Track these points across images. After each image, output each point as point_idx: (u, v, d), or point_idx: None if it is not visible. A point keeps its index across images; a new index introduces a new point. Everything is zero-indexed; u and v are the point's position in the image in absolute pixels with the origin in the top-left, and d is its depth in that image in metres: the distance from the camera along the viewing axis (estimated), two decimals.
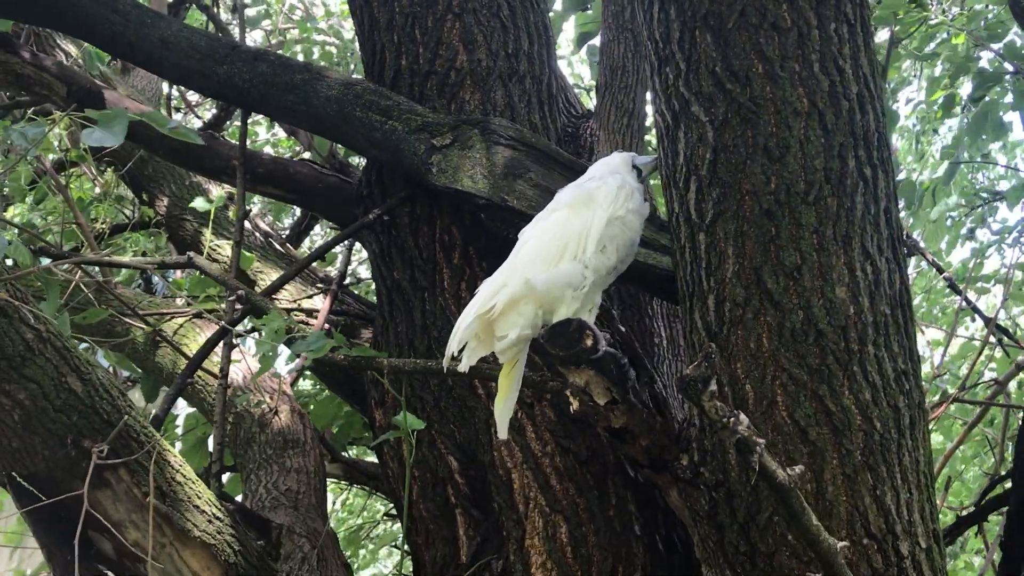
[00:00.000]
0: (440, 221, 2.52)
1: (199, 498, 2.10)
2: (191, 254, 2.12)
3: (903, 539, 1.64)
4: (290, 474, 3.05)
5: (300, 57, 5.64)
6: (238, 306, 2.37)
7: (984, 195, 5.94)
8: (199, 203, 3.49)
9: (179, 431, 4.08)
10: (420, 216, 2.54)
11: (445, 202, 2.47)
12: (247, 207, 2.72)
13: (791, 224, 1.61)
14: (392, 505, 4.34)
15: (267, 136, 6.46)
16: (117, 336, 3.51)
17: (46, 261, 2.26)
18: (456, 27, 2.61)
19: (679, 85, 1.68)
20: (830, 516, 1.61)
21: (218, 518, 2.12)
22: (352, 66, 4.99)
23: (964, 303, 4.36)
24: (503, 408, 1.77)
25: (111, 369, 3.79)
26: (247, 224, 3.96)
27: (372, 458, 4.17)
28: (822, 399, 1.61)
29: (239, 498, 3.10)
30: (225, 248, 3.88)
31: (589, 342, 1.63)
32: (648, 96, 2.91)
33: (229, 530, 2.13)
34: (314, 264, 4.06)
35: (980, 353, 4.24)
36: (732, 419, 1.16)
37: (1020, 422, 3.38)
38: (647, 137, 3.34)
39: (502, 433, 1.76)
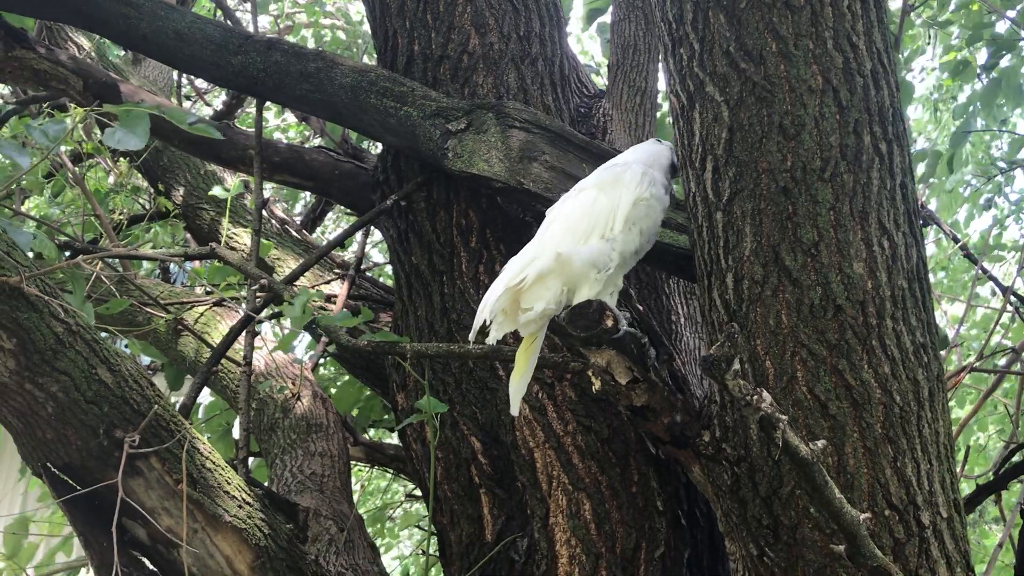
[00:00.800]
0: (457, 205, 2.54)
1: (229, 484, 2.13)
2: (213, 244, 2.15)
3: (924, 509, 1.66)
4: (314, 458, 3.09)
5: (310, 42, 5.65)
6: (260, 294, 2.40)
7: (1001, 164, 5.91)
8: (217, 191, 3.52)
9: (200, 419, 4.13)
10: (437, 200, 2.56)
11: (461, 186, 2.49)
12: (262, 195, 2.74)
13: (808, 201, 1.62)
14: (415, 487, 4.40)
15: (277, 122, 6.49)
16: (139, 326, 3.56)
17: (70, 255, 2.29)
18: (467, 11, 2.62)
19: (693, 66, 1.69)
20: (852, 489, 1.63)
21: (248, 503, 2.16)
22: (363, 48, 4.99)
23: (980, 271, 4.36)
24: (518, 385, 1.77)
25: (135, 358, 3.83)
26: (263, 212, 4.00)
27: (393, 440, 4.23)
28: (842, 373, 1.63)
29: (265, 483, 3.15)
30: (243, 236, 3.91)
31: (609, 323, 1.65)
32: (660, 75, 2.92)
33: (259, 514, 2.17)
34: (336, 255, 4.10)
35: (997, 322, 4.24)
36: (755, 396, 1.18)
37: None
38: (659, 115, 3.34)
39: (514, 410, 1.77)
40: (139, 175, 4.40)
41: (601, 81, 3.74)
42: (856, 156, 1.63)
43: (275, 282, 2.01)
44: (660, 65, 1.84)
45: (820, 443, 1.24)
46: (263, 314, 2.49)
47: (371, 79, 2.47)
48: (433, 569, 3.87)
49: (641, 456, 2.31)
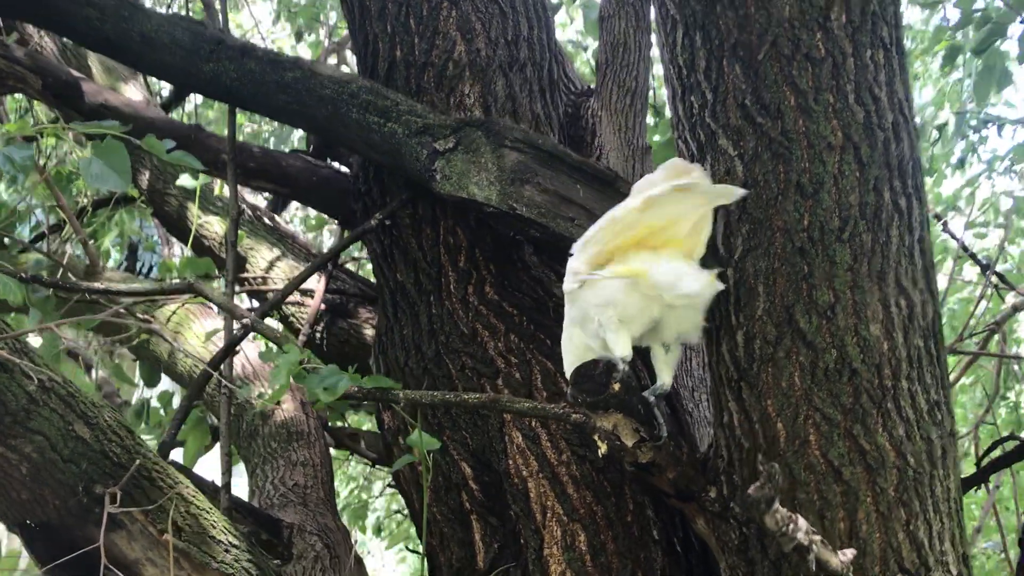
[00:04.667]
0: (444, 222, 2.44)
1: (214, 528, 2.06)
2: (190, 280, 2.03)
3: (935, 570, 1.63)
4: (296, 468, 3.03)
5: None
6: (243, 318, 2.30)
7: (972, 123, 5.87)
8: (185, 181, 3.39)
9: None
10: (423, 216, 2.46)
11: (449, 203, 2.39)
12: (237, 204, 2.62)
13: (824, 262, 1.56)
14: (392, 483, 4.36)
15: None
16: (109, 325, 3.44)
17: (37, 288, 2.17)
18: (453, 15, 2.49)
19: (704, 116, 1.60)
20: (864, 554, 1.59)
21: (235, 545, 2.09)
22: (331, 22, 4.80)
23: (962, 250, 4.33)
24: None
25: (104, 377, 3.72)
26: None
27: (372, 426, 4.16)
28: (856, 438, 1.58)
29: (245, 493, 3.08)
30: (213, 224, 3.78)
31: (617, 387, 1.58)
32: (652, 73, 2.82)
33: (246, 556, 2.10)
34: (307, 240, 3.98)
35: (978, 304, 4.24)
36: (791, 526, 1.13)
37: None
38: (650, 117, 3.24)
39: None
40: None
41: (585, 58, 3.63)
42: (876, 214, 1.56)
43: (259, 322, 1.92)
44: (669, 106, 1.74)
45: (849, 554, 1.19)
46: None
47: (352, 91, 2.35)
48: None
49: (637, 485, 2.27)
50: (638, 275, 1.52)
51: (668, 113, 3.15)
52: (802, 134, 1.54)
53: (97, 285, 2.12)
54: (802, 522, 1.14)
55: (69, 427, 1.79)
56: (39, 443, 1.74)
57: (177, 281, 2.57)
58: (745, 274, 1.61)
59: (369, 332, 3.51)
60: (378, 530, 4.88)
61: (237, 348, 2.52)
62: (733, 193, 1.51)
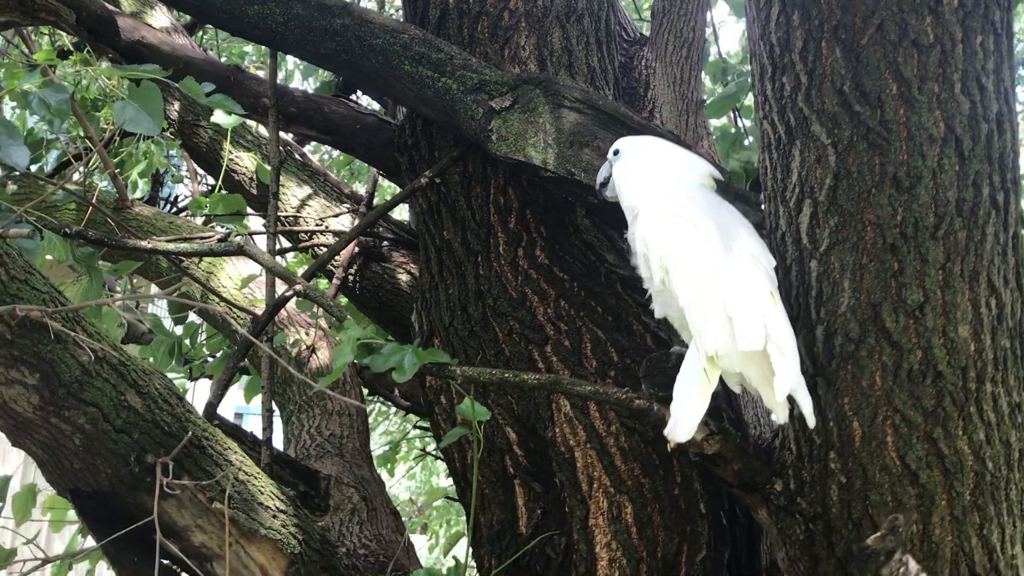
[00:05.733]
0: (495, 180, 2.36)
1: (262, 493, 2.04)
2: (240, 241, 1.97)
3: (1006, 574, 1.60)
4: (332, 417, 3.01)
5: None
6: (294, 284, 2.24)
7: None
8: (219, 118, 3.29)
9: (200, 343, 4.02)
10: (473, 174, 2.38)
11: (499, 161, 2.30)
12: (279, 152, 2.53)
13: (916, 260, 1.48)
14: (424, 424, 4.35)
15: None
16: (135, 259, 3.39)
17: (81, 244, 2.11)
18: None
19: (797, 99, 1.51)
20: (935, 558, 1.56)
21: (282, 511, 2.07)
22: None
23: None
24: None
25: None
26: (263, 131, 3.77)
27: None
28: (935, 442, 1.53)
29: (279, 439, 3.07)
30: (244, 160, 3.70)
31: None
32: (711, 28, 2.69)
33: (293, 520, 2.09)
34: (340, 179, 3.90)
35: None
36: (902, 570, 1.08)
37: None
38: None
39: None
40: (129, 85, 4.11)
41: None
42: (972, 211, 1.48)
43: (311, 289, 1.86)
44: (755, 84, 1.64)
45: None
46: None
47: (404, 42, 2.24)
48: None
49: (684, 458, 2.23)
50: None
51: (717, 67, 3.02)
52: (902, 125, 1.45)
53: (145, 244, 2.06)
54: (912, 565, 1.09)
55: (121, 397, 1.75)
56: (92, 415, 1.71)
57: (220, 232, 2.50)
58: (830, 268, 1.54)
59: (404, 277, 3.45)
60: (385, 461, 4.87)
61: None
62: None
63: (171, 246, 2.32)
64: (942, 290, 1.49)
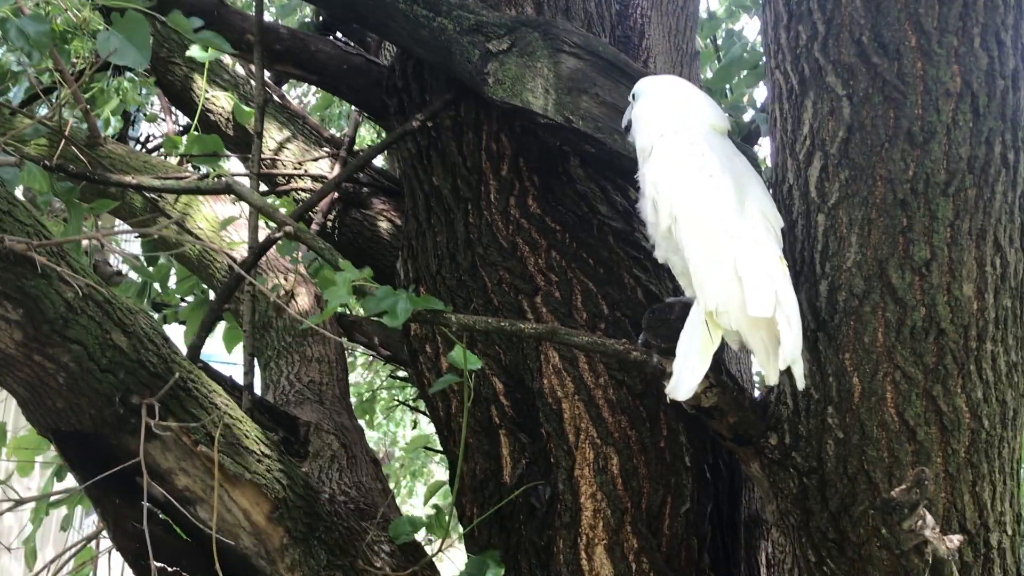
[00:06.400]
0: (488, 127, 2.31)
1: (247, 437, 2.01)
2: (229, 180, 1.91)
3: (994, 531, 1.62)
4: (312, 364, 2.97)
5: None
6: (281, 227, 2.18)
7: None
8: (195, 52, 3.20)
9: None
10: (465, 120, 2.33)
11: (494, 106, 2.25)
12: (264, 91, 2.45)
13: (926, 216, 1.47)
14: (400, 373, 4.32)
15: None
16: (110, 198, 3.30)
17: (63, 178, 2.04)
18: None
19: (813, 48, 1.48)
20: (928, 513, 1.57)
21: (267, 455, 2.04)
22: None
23: None
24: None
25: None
26: (240, 71, 3.67)
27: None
28: (935, 399, 1.54)
29: (257, 386, 3.02)
30: (220, 99, 3.60)
31: None
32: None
33: (277, 466, 2.06)
34: (319, 123, 3.81)
35: None
36: (919, 523, 1.08)
37: None
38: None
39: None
40: (100, 17, 3.98)
41: None
42: (984, 169, 1.47)
43: (302, 228, 1.81)
44: (760, 31, 1.61)
45: (956, 540, 1.16)
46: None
47: None
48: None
49: (671, 411, 2.23)
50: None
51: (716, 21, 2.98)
52: (919, 78, 1.42)
53: (129, 179, 1.99)
54: (929, 519, 1.09)
55: (107, 336, 1.70)
56: (77, 352, 1.66)
57: (211, 175, 2.43)
58: (837, 222, 1.52)
59: (384, 225, 3.40)
60: (363, 412, 4.87)
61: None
62: None
63: (157, 183, 2.25)
64: (949, 248, 1.48)
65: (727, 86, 3.10)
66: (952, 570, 1.21)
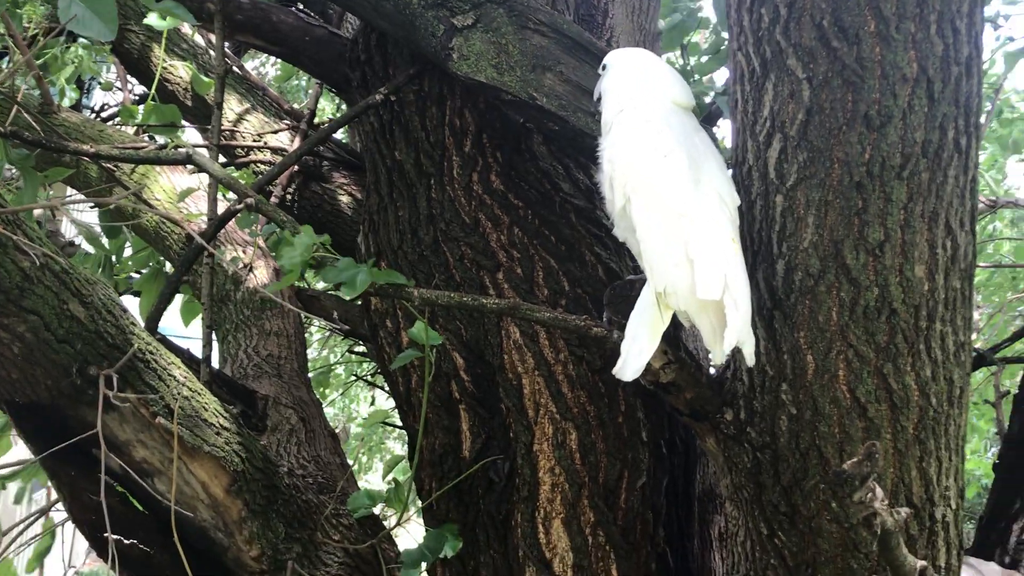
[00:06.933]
0: (451, 102, 2.31)
1: (206, 410, 2.00)
2: (190, 150, 1.89)
3: (939, 505, 1.67)
4: (270, 337, 2.96)
5: None
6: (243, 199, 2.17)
7: None
8: (153, 20, 3.14)
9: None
10: (428, 94, 2.33)
11: (457, 81, 2.25)
12: (224, 61, 2.42)
13: (880, 199, 1.50)
14: (356, 342, 4.31)
15: None
16: (65, 167, 3.24)
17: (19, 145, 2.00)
18: None
19: (775, 31, 1.50)
20: None
21: (225, 428, 2.04)
22: None
23: None
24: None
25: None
26: (199, 41, 3.62)
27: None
28: (885, 377, 1.57)
29: (215, 359, 3.01)
30: (178, 69, 3.56)
31: None
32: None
33: (236, 439, 2.06)
34: (279, 94, 3.77)
35: None
36: (869, 496, 1.11)
37: None
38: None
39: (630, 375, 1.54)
40: None
41: None
42: (937, 153, 1.50)
43: (264, 202, 1.80)
44: (731, 13, 1.63)
45: (904, 511, 1.20)
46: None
47: None
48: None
49: (630, 387, 2.26)
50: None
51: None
52: (877, 63, 1.45)
53: (87, 148, 1.96)
54: (879, 491, 1.13)
55: (64, 306, 1.68)
56: (33, 323, 1.64)
57: (169, 146, 2.40)
58: (795, 203, 1.55)
59: (344, 199, 3.38)
60: (318, 385, 4.85)
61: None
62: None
63: (116, 151, 2.22)
64: (902, 229, 1.52)
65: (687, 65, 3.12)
66: (899, 541, 1.25)
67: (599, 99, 1.67)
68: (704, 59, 2.93)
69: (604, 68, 1.67)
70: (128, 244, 3.87)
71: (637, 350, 1.50)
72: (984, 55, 1.56)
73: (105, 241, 3.67)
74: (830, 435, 1.60)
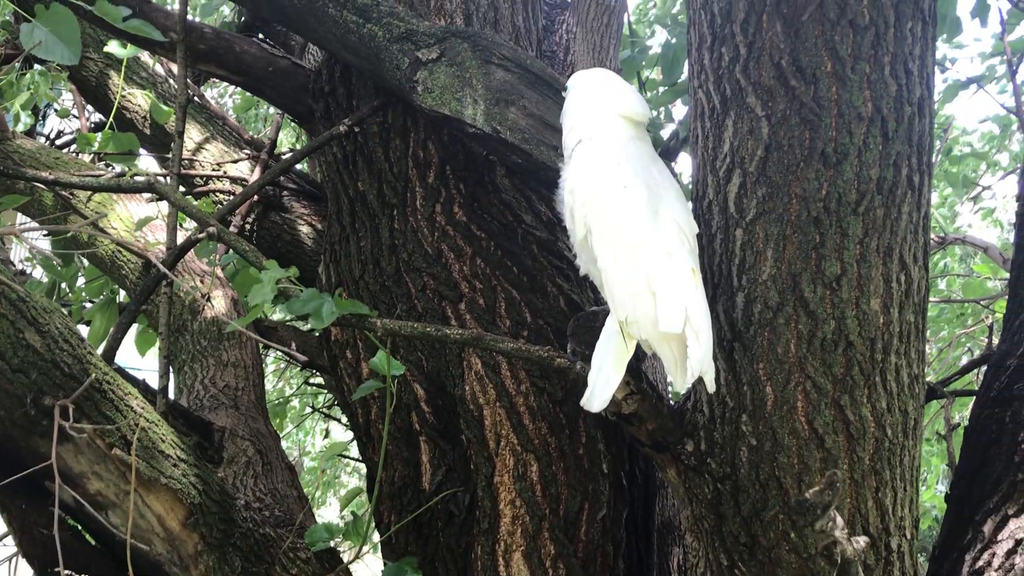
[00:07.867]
0: (415, 134, 2.33)
1: (163, 441, 1.97)
2: (151, 179, 1.88)
3: (895, 535, 1.70)
4: (227, 369, 2.93)
5: None
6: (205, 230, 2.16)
7: None
8: (114, 48, 3.13)
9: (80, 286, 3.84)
10: (392, 126, 2.34)
11: (421, 113, 2.27)
12: (186, 91, 2.42)
13: (837, 234, 1.54)
14: (316, 380, 4.27)
15: None
16: (20, 194, 3.20)
17: None
18: None
19: (735, 70, 1.54)
20: None
21: (183, 460, 2.01)
22: None
23: None
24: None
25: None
26: (159, 70, 3.60)
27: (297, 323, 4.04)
28: (843, 408, 1.61)
29: (171, 390, 2.97)
30: (137, 97, 3.54)
31: None
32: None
33: (193, 471, 2.03)
34: (239, 123, 3.76)
35: None
36: (830, 524, 1.13)
37: None
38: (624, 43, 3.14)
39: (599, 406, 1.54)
40: (10, 6, 3.85)
41: None
42: (891, 190, 1.54)
43: (226, 232, 1.79)
44: (691, 53, 1.66)
45: (862, 540, 1.22)
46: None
47: None
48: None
49: (591, 418, 2.27)
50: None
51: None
52: (834, 102, 1.50)
53: (46, 175, 1.94)
54: (839, 520, 1.15)
55: (20, 335, 1.65)
56: None
57: (127, 174, 2.38)
58: (754, 237, 1.58)
59: (304, 229, 3.38)
60: (274, 416, 4.81)
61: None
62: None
63: (75, 179, 2.20)
64: (858, 264, 1.56)
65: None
66: (858, 570, 1.27)
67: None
68: (661, 90, 2.99)
69: (567, 90, 1.70)
70: (80, 273, 3.82)
71: (604, 380, 1.51)
72: (934, 96, 1.62)
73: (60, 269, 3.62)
74: (789, 466, 1.62)
